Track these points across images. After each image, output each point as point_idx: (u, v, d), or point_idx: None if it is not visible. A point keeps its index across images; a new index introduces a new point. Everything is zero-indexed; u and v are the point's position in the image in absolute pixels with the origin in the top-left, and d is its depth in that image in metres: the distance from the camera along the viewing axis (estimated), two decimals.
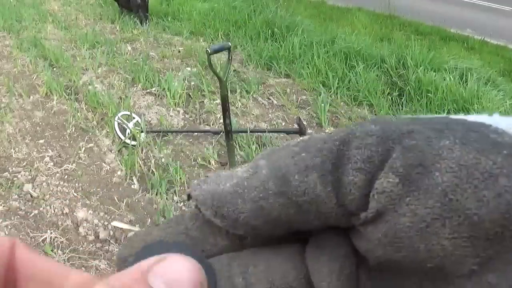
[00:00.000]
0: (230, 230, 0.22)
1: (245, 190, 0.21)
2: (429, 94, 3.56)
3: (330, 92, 3.62)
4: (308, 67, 3.92)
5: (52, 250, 1.99)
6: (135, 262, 0.20)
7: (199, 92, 3.48)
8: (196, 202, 0.22)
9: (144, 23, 4.85)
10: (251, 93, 3.53)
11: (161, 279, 0.16)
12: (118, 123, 2.85)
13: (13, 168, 2.51)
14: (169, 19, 5.16)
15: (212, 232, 0.23)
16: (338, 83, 3.70)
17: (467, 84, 3.72)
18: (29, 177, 2.45)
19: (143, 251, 0.22)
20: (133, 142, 2.73)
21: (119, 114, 2.92)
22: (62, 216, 2.19)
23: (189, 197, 0.23)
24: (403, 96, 3.63)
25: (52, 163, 2.58)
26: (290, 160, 0.20)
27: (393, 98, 3.62)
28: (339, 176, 0.19)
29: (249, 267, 0.22)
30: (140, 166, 2.56)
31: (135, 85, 3.58)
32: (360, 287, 0.21)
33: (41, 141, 2.78)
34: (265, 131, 2.92)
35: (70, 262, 1.93)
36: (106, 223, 2.17)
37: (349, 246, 0.21)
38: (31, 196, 2.32)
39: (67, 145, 2.77)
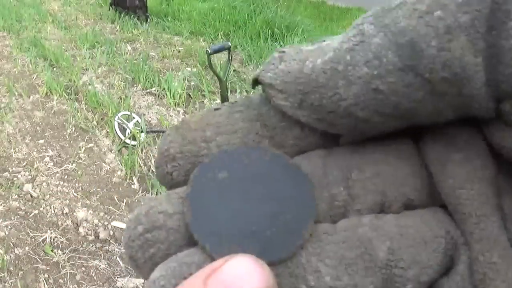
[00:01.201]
0: (320, 127, 0.16)
1: (348, 67, 0.14)
2: None
3: None
4: None
5: (52, 250, 1.99)
6: (194, 185, 0.16)
7: (199, 92, 3.48)
8: (270, 88, 0.16)
9: (144, 24, 4.86)
10: (251, 93, 3.52)
11: None
12: (118, 123, 2.85)
13: (13, 168, 2.51)
14: (169, 19, 5.16)
15: (296, 121, 0.16)
16: None
17: None
18: (29, 177, 2.45)
19: (203, 169, 0.16)
20: (133, 142, 2.73)
21: (119, 114, 2.92)
22: (62, 216, 2.19)
23: (257, 82, 0.17)
24: None
25: (52, 163, 2.58)
26: (417, 21, 0.14)
27: None
28: (494, 41, 0.13)
29: (352, 172, 0.16)
30: (140, 166, 2.56)
31: (135, 85, 3.58)
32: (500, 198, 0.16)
33: (41, 141, 2.79)
34: None
35: (70, 262, 1.94)
36: (106, 223, 2.17)
37: (486, 144, 0.16)
38: (31, 196, 2.32)
39: (67, 145, 2.77)
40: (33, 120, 3.01)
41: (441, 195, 0.16)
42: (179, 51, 4.32)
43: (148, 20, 4.94)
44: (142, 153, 2.68)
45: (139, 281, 1.84)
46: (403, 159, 0.16)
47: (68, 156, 2.65)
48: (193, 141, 0.17)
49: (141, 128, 2.83)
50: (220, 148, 0.17)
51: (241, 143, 0.17)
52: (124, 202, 2.31)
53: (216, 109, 0.17)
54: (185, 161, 0.17)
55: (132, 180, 2.49)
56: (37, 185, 2.39)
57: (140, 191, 2.41)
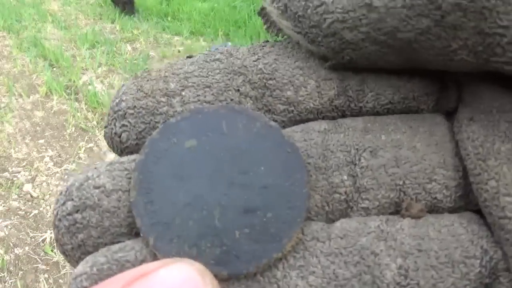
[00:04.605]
0: (304, 42, 0.12)
1: None
2: None
3: None
4: None
5: (52, 250, 1.99)
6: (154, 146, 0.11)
7: None
8: None
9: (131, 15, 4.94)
10: None
11: None
12: None
13: (13, 168, 2.51)
14: (169, 19, 5.16)
15: (291, 79, 0.12)
16: None
17: None
18: (29, 177, 2.45)
19: (166, 132, 0.12)
20: None
21: None
22: None
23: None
24: None
25: (52, 163, 2.58)
26: None
27: None
28: None
29: (361, 155, 0.11)
30: None
31: None
32: None
33: (41, 141, 2.78)
34: None
35: None
36: None
37: None
38: (31, 196, 2.32)
39: (67, 145, 2.77)
40: (33, 120, 3.01)
41: (479, 200, 0.11)
42: (179, 51, 4.32)
43: (136, 15, 4.99)
44: None
45: None
46: (432, 143, 0.11)
47: (68, 156, 2.65)
48: (151, 94, 0.12)
49: None
50: (186, 107, 0.12)
51: (215, 102, 0.12)
52: None
53: (188, 57, 0.13)
54: (138, 120, 0.13)
55: None
56: (37, 185, 2.39)
57: None
